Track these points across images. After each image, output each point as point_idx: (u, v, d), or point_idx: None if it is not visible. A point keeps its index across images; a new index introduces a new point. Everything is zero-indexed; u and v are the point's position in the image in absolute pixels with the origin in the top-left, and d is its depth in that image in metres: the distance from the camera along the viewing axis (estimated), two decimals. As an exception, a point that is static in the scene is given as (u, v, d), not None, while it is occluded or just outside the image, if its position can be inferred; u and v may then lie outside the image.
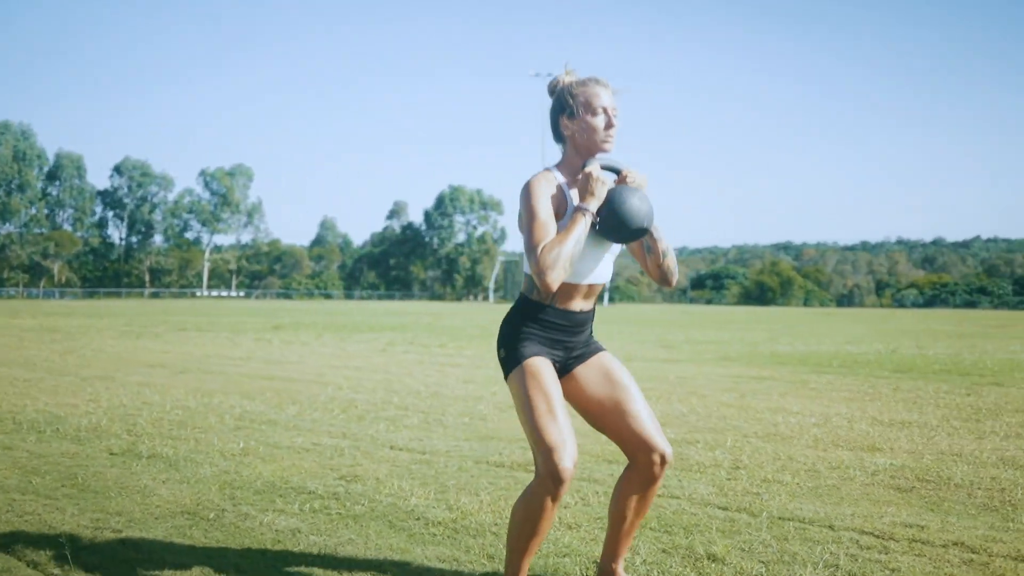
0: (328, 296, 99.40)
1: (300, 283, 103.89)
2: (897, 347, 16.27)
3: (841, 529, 4.07)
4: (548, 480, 2.87)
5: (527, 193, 2.94)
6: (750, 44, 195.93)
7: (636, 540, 3.88)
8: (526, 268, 3.06)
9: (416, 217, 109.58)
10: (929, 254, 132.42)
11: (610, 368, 3.15)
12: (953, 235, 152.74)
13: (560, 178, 3.03)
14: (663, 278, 3.15)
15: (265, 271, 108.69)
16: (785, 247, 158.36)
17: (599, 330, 21.84)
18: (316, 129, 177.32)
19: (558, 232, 2.92)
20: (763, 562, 3.60)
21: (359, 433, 6.51)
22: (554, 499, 2.88)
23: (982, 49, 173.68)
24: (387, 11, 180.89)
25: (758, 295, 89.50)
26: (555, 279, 2.83)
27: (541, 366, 3.01)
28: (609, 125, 3.03)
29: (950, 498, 4.63)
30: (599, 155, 3.08)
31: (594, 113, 3.02)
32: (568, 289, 3.04)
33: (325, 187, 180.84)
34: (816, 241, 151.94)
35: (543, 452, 2.89)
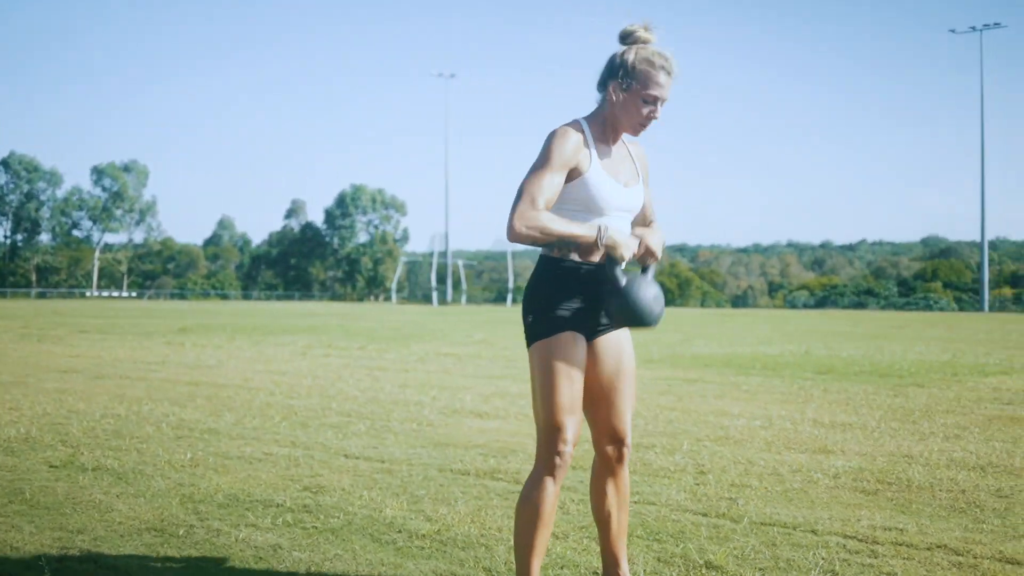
0: (224, 296, 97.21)
1: (195, 283, 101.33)
2: (809, 348, 16.69)
3: (824, 534, 4.11)
4: (548, 462, 2.88)
5: (548, 143, 2.88)
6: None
7: (628, 549, 3.84)
8: None
9: (316, 216, 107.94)
10: (818, 256, 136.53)
11: (622, 352, 3.11)
12: (841, 238, 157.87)
13: (587, 129, 2.94)
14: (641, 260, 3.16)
15: (158, 270, 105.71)
16: (681, 249, 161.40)
17: (507, 332, 21.85)
18: (214, 125, 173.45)
19: (564, 210, 2.88)
20: (760, 569, 3.61)
21: (308, 441, 6.33)
22: (555, 481, 2.88)
23: (860, 53, 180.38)
24: (285, 6, 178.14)
25: (666, 298, 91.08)
26: (514, 236, 2.79)
27: (570, 342, 2.94)
28: (651, 116, 2.93)
29: (917, 500, 4.73)
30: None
31: (644, 99, 2.90)
32: (588, 247, 2.92)
33: (222, 185, 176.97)
34: (711, 243, 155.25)
35: (549, 432, 2.87)
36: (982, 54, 59.61)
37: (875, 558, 3.75)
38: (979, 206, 61.24)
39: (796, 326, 30.60)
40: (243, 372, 11.17)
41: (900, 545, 3.93)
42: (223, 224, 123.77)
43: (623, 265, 2.92)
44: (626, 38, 2.96)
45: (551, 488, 2.90)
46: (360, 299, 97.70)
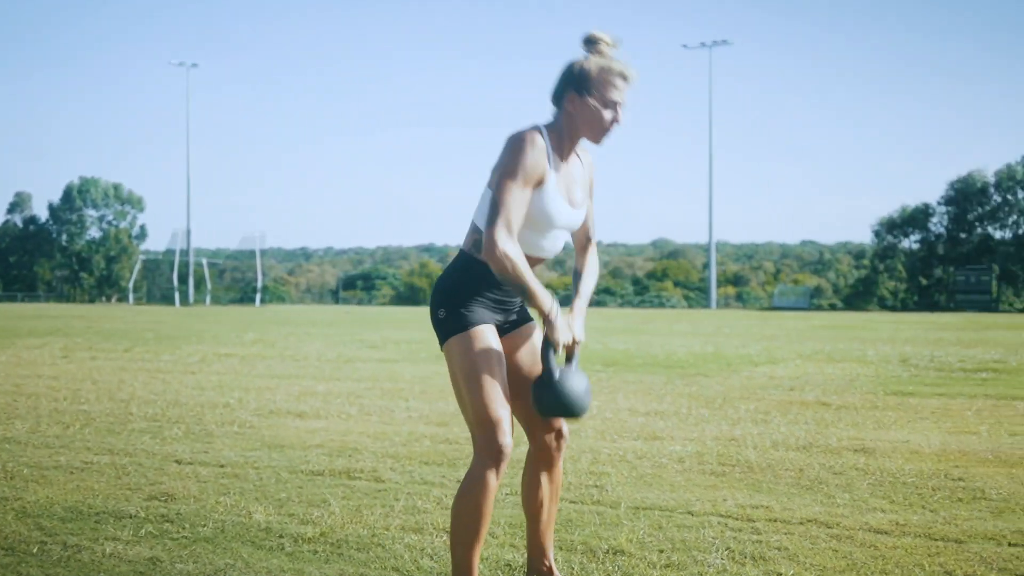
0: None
1: None
2: (585, 343, 17.28)
3: (701, 514, 4.27)
4: (489, 457, 2.82)
5: (516, 144, 2.79)
6: (437, 39, 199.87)
7: (512, 537, 3.83)
8: (480, 222, 2.90)
9: (41, 211, 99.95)
10: (558, 256, 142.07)
11: (536, 342, 3.10)
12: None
13: (547, 142, 2.87)
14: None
15: None
16: (429, 249, 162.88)
17: (278, 332, 21.24)
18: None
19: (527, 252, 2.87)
20: (663, 551, 3.70)
21: (128, 448, 5.86)
22: (497, 475, 2.83)
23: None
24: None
25: (409, 296, 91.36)
26: (491, 258, 2.74)
27: (488, 334, 2.89)
28: (614, 121, 2.89)
29: (764, 480, 5.01)
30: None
31: (605, 105, 2.87)
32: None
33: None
34: (456, 243, 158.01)
35: (485, 427, 2.81)
36: (711, 68, 64.10)
37: (759, 534, 3.94)
38: (707, 211, 65.76)
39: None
40: (9, 378, 10.17)
41: (774, 521, 4.15)
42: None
43: (553, 352, 2.91)
44: (590, 44, 2.92)
45: (493, 483, 2.84)
46: (91, 300, 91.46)
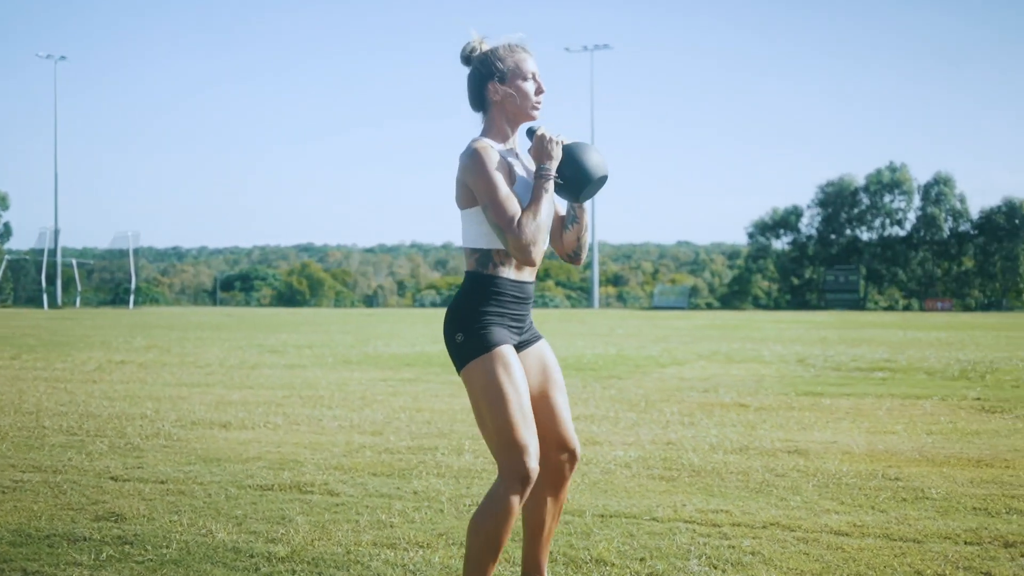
0: None
1: None
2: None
3: (666, 520, 4.34)
4: (515, 482, 2.81)
5: (479, 165, 2.84)
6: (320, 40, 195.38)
7: (504, 553, 3.82)
8: (477, 243, 2.93)
9: None
10: (441, 257, 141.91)
11: (548, 360, 3.12)
12: (460, 240, 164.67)
13: (497, 146, 2.95)
14: (576, 254, 3.17)
15: None
16: (307, 248, 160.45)
17: (168, 337, 20.59)
18: None
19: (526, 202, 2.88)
20: (643, 560, 3.75)
21: (54, 464, 5.59)
22: (520, 499, 2.83)
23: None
24: None
25: (290, 297, 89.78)
26: (539, 253, 2.83)
27: (509, 355, 2.90)
28: (539, 91, 3.01)
29: (713, 484, 5.12)
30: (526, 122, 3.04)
31: (524, 78, 2.98)
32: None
33: None
34: (337, 243, 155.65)
35: (512, 451, 2.80)
36: (592, 71, 65.05)
37: (728, 539, 4.03)
38: (589, 211, 66.70)
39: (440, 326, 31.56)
40: None
41: (738, 525, 4.26)
42: None
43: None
44: (470, 54, 3.02)
45: (516, 507, 2.83)
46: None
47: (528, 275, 3.00)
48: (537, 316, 44.40)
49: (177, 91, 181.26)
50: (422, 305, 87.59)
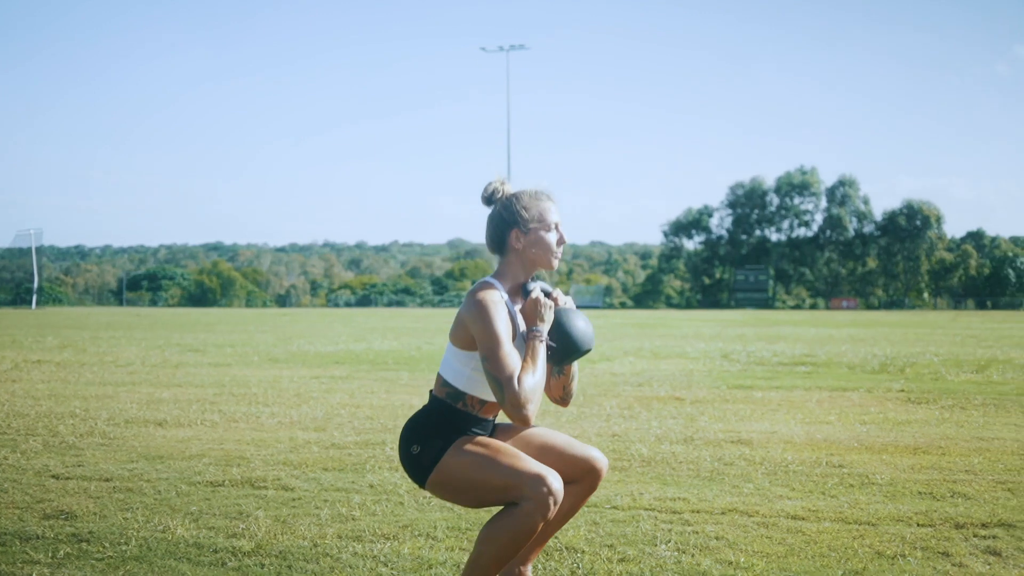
0: None
1: None
2: (404, 344, 17.26)
3: (627, 509, 4.39)
4: (544, 505, 2.80)
5: (484, 314, 2.85)
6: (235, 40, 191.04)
7: (470, 551, 3.83)
8: (456, 382, 2.97)
9: None
10: (354, 256, 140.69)
11: (512, 430, 3.15)
12: (374, 239, 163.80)
13: (504, 294, 2.96)
14: (563, 399, 3.20)
15: None
16: (217, 247, 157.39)
17: (90, 338, 20.01)
18: None
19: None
20: (612, 546, 3.79)
21: (-12, 464, 5.39)
22: (545, 520, 2.83)
23: (400, 68, 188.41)
24: None
25: (200, 296, 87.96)
26: (534, 411, 2.82)
27: (473, 435, 2.96)
28: (560, 241, 3.03)
29: (666, 473, 5.20)
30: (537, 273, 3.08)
31: (548, 229, 3.00)
32: (492, 406, 3.01)
33: None
34: (247, 242, 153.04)
35: (530, 482, 2.81)
36: (508, 71, 65.34)
37: (690, 525, 4.09)
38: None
39: (365, 324, 31.36)
40: None
41: (698, 512, 4.33)
42: None
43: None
44: (492, 196, 3.04)
45: (539, 528, 2.83)
46: None
47: (494, 413, 3.04)
48: (451, 316, 44.39)
49: (79, 84, 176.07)
50: (336, 305, 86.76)
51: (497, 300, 2.88)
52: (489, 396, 2.97)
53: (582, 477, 3.12)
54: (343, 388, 9.44)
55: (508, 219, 2.99)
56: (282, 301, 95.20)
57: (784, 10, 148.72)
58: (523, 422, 2.79)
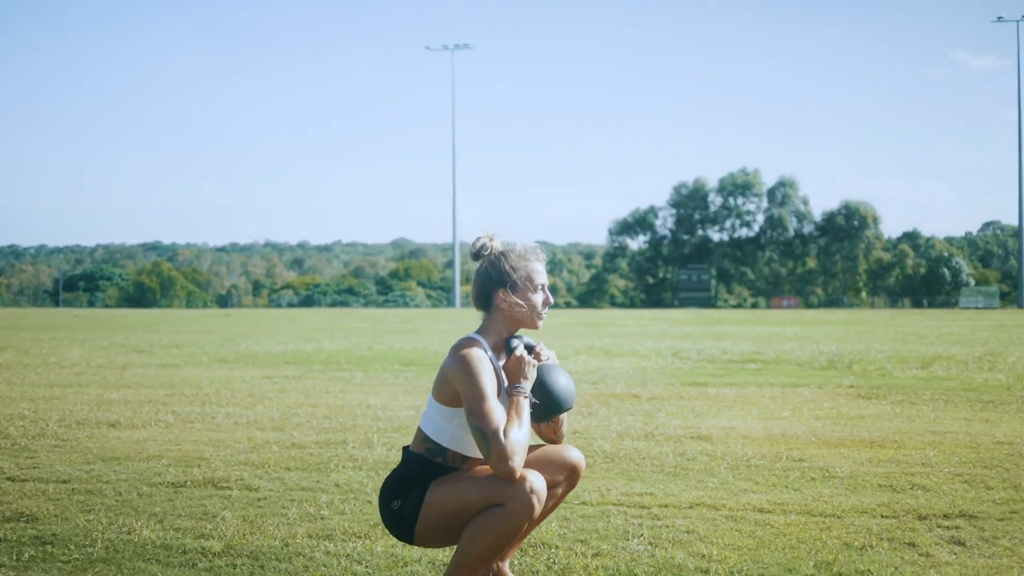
0: None
1: None
2: (353, 344, 17.17)
3: (596, 504, 4.41)
4: (528, 505, 2.82)
5: (469, 370, 2.86)
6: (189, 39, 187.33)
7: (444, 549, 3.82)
8: (438, 437, 2.97)
9: None
10: (297, 256, 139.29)
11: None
12: (316, 239, 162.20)
13: (488, 350, 2.96)
14: (556, 440, 3.21)
15: None
16: (155, 247, 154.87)
17: (30, 339, 19.57)
18: None
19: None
20: (584, 541, 3.81)
21: (-62, 467, 5.25)
22: (530, 519, 2.85)
23: (348, 67, 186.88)
24: None
25: (139, 296, 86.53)
26: (519, 464, 2.80)
27: (449, 472, 2.96)
28: (547, 302, 3.04)
29: (631, 469, 5.23)
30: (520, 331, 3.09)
31: (535, 290, 3.00)
32: (474, 463, 3.00)
33: None
34: (186, 242, 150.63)
35: (514, 488, 2.82)
36: (453, 70, 65.31)
37: (660, 520, 4.13)
38: (450, 210, 66.90)
39: (307, 324, 31.12)
40: None
41: (666, 507, 4.37)
42: None
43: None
44: (481, 252, 3.04)
45: (523, 527, 2.85)
46: None
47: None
48: (397, 316, 44.21)
49: (8, 80, 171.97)
50: (279, 305, 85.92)
51: (481, 356, 2.89)
52: (471, 452, 2.97)
53: (563, 477, 3.15)
54: (297, 388, 9.36)
55: (496, 278, 2.99)
56: (223, 302, 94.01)
57: (727, 15, 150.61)
58: (508, 475, 2.78)
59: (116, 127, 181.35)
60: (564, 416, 3.17)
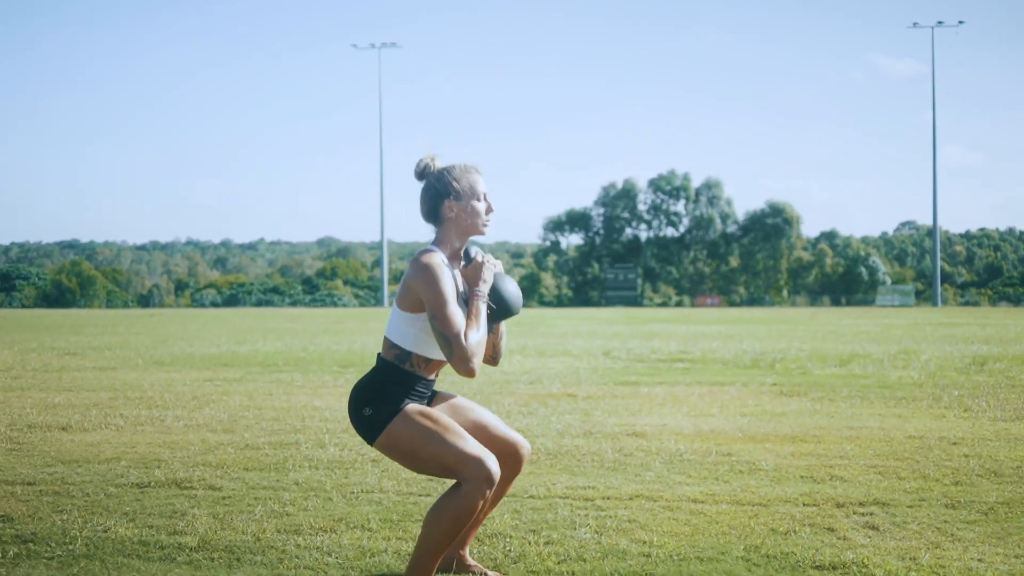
0: None
1: None
2: (287, 345, 17.25)
3: (543, 497, 4.74)
4: (482, 485, 3.13)
5: (431, 276, 3.15)
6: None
7: (407, 539, 4.11)
8: (403, 343, 3.26)
9: None
10: (220, 255, 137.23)
11: (449, 399, 3.50)
12: (240, 237, 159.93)
13: (444, 259, 3.27)
14: (493, 358, 3.51)
15: None
16: (73, 245, 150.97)
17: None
18: None
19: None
20: (535, 531, 4.13)
21: (-101, 472, 5.36)
22: (484, 501, 3.16)
23: (280, 64, 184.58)
24: None
25: (57, 296, 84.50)
26: (478, 364, 3.14)
27: (421, 406, 3.28)
28: (489, 210, 3.36)
29: (573, 465, 5.57)
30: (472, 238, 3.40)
31: (477, 198, 3.32)
32: (436, 364, 3.31)
33: None
34: (104, 240, 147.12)
35: (471, 464, 3.13)
36: (380, 68, 65.21)
37: (603, 511, 4.48)
38: (377, 209, 66.80)
39: (236, 325, 30.92)
40: None
41: (608, 499, 4.72)
42: None
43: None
44: (424, 171, 3.35)
45: (480, 507, 3.15)
46: None
47: (436, 372, 3.36)
48: (327, 316, 44.04)
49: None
50: (203, 305, 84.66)
51: (440, 263, 3.20)
52: (434, 354, 3.26)
53: (507, 458, 3.45)
54: (240, 390, 9.52)
55: (441, 190, 3.30)
56: (144, 301, 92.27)
57: (653, 17, 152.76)
58: (469, 374, 3.11)
59: (33, 127, 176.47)
60: (503, 330, 3.47)
